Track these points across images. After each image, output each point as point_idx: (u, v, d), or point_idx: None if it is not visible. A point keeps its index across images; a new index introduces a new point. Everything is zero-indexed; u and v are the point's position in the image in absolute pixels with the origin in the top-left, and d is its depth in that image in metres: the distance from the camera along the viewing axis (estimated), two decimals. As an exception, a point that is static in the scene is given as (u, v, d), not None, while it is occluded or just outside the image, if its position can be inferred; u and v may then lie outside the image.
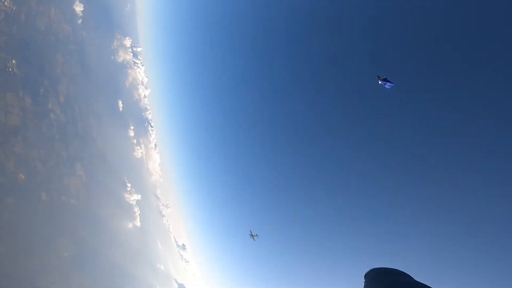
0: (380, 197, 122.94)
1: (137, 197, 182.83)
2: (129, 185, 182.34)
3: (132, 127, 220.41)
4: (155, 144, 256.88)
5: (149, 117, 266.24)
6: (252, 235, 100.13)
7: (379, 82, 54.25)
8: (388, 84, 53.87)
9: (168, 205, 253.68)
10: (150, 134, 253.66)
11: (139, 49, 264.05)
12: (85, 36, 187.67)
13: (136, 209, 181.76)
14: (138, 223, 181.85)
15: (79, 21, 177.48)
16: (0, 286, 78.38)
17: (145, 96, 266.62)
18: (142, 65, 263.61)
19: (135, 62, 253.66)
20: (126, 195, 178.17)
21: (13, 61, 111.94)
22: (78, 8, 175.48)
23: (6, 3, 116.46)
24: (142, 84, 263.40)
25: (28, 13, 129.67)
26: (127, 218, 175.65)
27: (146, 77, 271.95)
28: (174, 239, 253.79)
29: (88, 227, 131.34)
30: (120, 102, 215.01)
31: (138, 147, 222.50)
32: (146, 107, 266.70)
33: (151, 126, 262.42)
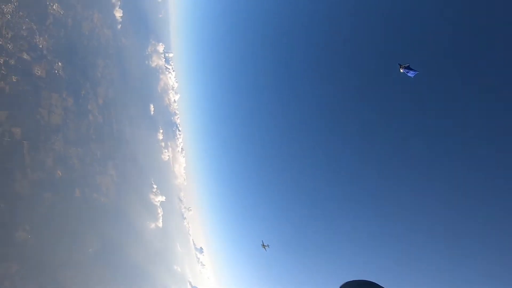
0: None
1: (161, 198, 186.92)
2: (155, 186, 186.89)
3: (161, 131, 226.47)
4: (181, 148, 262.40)
5: (178, 121, 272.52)
6: (263, 245, 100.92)
7: (401, 71, 51.56)
8: (412, 72, 51.32)
9: (190, 208, 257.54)
10: (177, 138, 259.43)
11: (170, 55, 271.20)
12: (123, 41, 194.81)
13: (160, 210, 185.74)
14: (160, 224, 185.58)
15: (119, 27, 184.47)
16: (23, 274, 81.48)
17: (174, 101, 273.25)
18: (173, 71, 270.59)
19: (166, 68, 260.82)
20: (152, 196, 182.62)
21: (59, 64, 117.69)
22: (118, 13, 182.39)
23: (54, 7, 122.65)
24: (173, 89, 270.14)
25: (74, 17, 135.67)
26: (151, 219, 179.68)
27: (176, 82, 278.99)
28: (193, 241, 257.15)
29: (114, 224, 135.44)
30: (152, 106, 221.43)
31: (166, 150, 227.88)
32: (175, 112, 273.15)
33: (179, 131, 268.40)
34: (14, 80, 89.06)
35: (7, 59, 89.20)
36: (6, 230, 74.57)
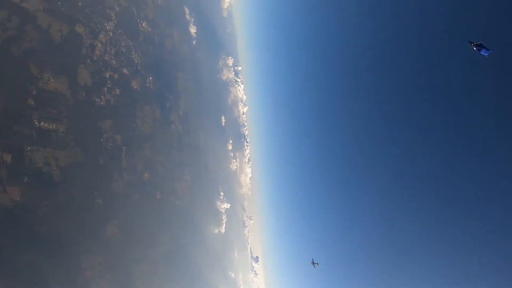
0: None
1: (227, 206, 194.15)
2: (222, 194, 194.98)
3: (231, 141, 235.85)
4: (248, 159, 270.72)
5: (246, 133, 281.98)
6: (313, 262, 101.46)
7: (474, 49, 49.41)
8: (484, 50, 48.67)
9: (251, 217, 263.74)
10: (245, 149, 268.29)
11: (239, 68, 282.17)
12: (198, 56, 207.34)
13: (224, 216, 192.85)
14: (223, 230, 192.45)
15: (194, 42, 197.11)
16: (104, 265, 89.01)
17: (243, 113, 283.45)
18: (242, 83, 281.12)
19: (236, 81, 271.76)
20: (218, 203, 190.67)
21: (150, 78, 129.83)
22: (193, 30, 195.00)
23: (144, 25, 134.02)
24: (242, 102, 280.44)
25: (159, 34, 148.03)
26: (215, 224, 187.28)
27: (245, 94, 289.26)
28: (250, 250, 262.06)
29: (183, 226, 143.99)
30: (223, 118, 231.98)
31: (234, 160, 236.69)
32: (243, 123, 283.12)
33: (247, 142, 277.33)
34: (117, 93, 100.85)
35: (112, 73, 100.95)
36: (100, 224, 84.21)
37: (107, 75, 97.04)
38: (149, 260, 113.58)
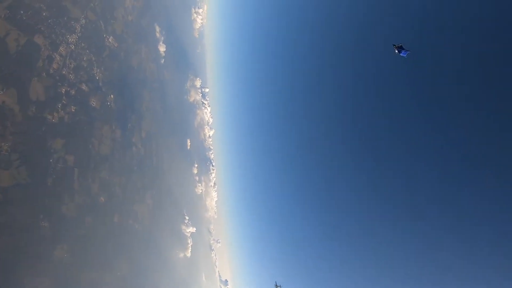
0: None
1: (192, 229, 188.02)
2: (187, 217, 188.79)
3: (196, 165, 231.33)
4: (214, 183, 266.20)
5: (211, 156, 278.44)
6: (276, 285, 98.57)
7: (396, 51, 50.44)
8: (404, 51, 49.96)
9: (218, 241, 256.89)
10: (211, 173, 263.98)
11: (206, 90, 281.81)
12: (165, 75, 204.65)
13: (190, 240, 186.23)
14: (188, 254, 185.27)
15: (162, 61, 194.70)
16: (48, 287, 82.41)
17: (209, 137, 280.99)
18: (209, 106, 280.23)
19: (203, 103, 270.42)
20: (183, 227, 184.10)
21: (112, 96, 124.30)
22: (162, 48, 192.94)
23: (110, 39, 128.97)
24: (208, 125, 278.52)
25: (126, 50, 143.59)
26: (180, 248, 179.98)
27: (211, 117, 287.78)
28: (219, 273, 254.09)
29: (144, 251, 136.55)
30: (188, 141, 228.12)
31: (199, 184, 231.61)
32: (209, 147, 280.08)
33: (212, 166, 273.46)
34: (72, 110, 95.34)
35: (69, 89, 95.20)
36: (46, 247, 77.27)
37: (63, 90, 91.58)
38: (104, 283, 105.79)
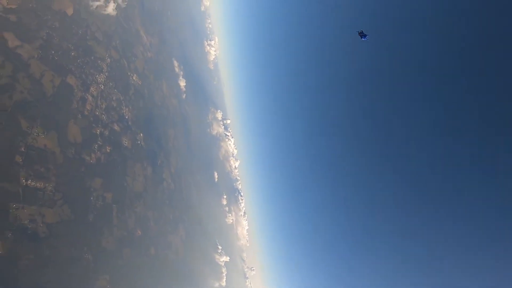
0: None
1: (225, 258, 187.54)
2: (220, 247, 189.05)
3: (225, 196, 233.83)
4: (244, 212, 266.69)
5: (239, 187, 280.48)
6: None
7: (361, 38, 53.87)
8: (364, 37, 53.56)
9: (252, 268, 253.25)
10: (240, 203, 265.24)
11: (228, 121, 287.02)
12: (187, 110, 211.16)
13: (224, 269, 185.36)
14: (223, 283, 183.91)
15: (183, 96, 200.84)
16: None
17: (235, 167, 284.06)
18: (232, 137, 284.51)
19: (226, 135, 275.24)
20: (217, 256, 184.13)
21: (141, 135, 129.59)
22: (182, 83, 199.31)
23: (134, 77, 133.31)
24: (233, 156, 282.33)
25: (148, 88, 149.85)
26: (215, 277, 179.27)
27: (236, 149, 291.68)
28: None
29: (181, 281, 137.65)
30: (215, 173, 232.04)
31: (230, 214, 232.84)
32: (236, 178, 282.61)
33: (241, 196, 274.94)
34: (107, 151, 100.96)
35: (103, 129, 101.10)
36: (89, 279, 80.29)
37: (98, 131, 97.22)
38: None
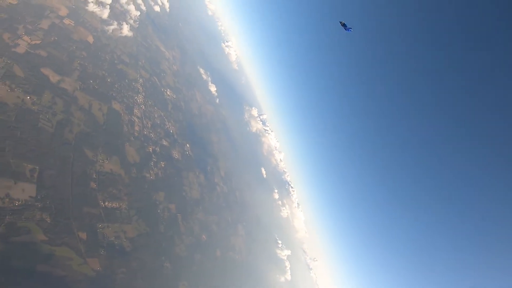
0: None
1: (287, 252, 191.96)
2: (279, 242, 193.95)
3: (276, 191, 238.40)
4: (297, 203, 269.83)
5: (288, 179, 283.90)
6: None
7: (345, 30, 57.05)
8: (348, 28, 56.83)
9: (315, 259, 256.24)
10: (291, 195, 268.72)
11: (264, 116, 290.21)
12: (224, 114, 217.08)
13: (287, 263, 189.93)
14: (289, 277, 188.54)
15: (217, 101, 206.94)
16: None
17: (280, 160, 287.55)
18: (272, 131, 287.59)
19: (265, 130, 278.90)
20: (278, 251, 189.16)
21: (188, 145, 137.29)
22: (212, 88, 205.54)
23: (168, 93, 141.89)
24: (276, 149, 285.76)
25: (183, 99, 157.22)
26: (280, 272, 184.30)
27: (277, 141, 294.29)
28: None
29: (249, 279, 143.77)
30: (263, 170, 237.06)
31: (284, 208, 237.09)
32: (283, 170, 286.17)
33: (291, 187, 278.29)
34: (162, 166, 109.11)
35: (154, 147, 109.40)
36: (170, 286, 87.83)
37: (150, 149, 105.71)
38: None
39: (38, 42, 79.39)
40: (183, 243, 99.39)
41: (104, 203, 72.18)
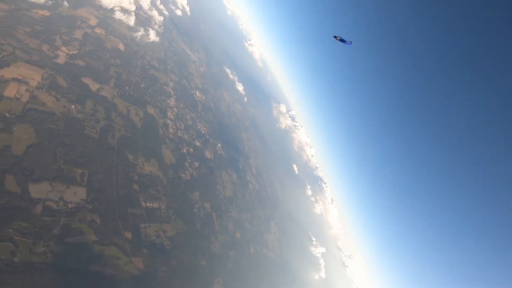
0: None
1: (321, 249, 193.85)
2: (313, 239, 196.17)
3: (308, 187, 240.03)
4: (331, 199, 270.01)
5: (320, 174, 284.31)
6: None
7: (344, 43, 55.75)
8: (347, 42, 55.35)
9: (350, 256, 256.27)
10: (325, 191, 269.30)
11: (293, 112, 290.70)
12: (252, 111, 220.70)
13: (321, 261, 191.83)
14: (323, 275, 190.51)
15: (245, 99, 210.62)
16: None
17: (312, 156, 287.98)
18: (301, 126, 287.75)
19: (295, 125, 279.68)
20: (312, 248, 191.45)
21: (219, 145, 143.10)
22: (240, 87, 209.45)
23: (197, 94, 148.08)
24: (307, 145, 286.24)
25: (212, 100, 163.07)
26: (314, 269, 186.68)
27: (308, 137, 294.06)
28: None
29: (282, 276, 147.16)
30: (294, 166, 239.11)
31: (317, 204, 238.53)
32: (315, 166, 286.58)
33: (324, 183, 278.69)
34: (196, 166, 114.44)
35: (188, 148, 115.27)
36: (207, 283, 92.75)
37: (185, 150, 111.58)
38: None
39: (75, 52, 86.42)
40: (218, 241, 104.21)
41: (145, 203, 77.83)
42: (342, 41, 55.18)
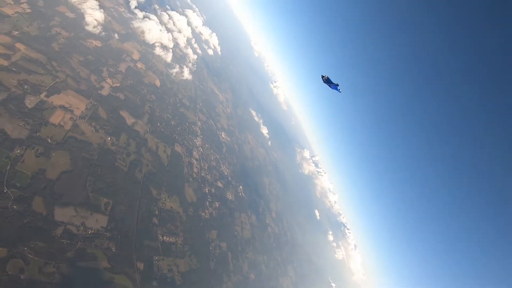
0: None
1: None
2: (333, 285, 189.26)
3: (330, 232, 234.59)
4: (354, 245, 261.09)
5: (343, 220, 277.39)
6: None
7: (330, 87, 46.12)
8: (333, 86, 45.36)
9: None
10: (348, 237, 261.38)
11: (316, 158, 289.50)
12: (275, 156, 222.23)
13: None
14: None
15: (269, 143, 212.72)
16: None
17: (335, 202, 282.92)
18: (325, 173, 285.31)
19: (318, 172, 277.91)
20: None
21: (241, 187, 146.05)
22: (264, 130, 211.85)
23: (223, 135, 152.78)
24: (330, 191, 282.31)
25: (237, 142, 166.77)
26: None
27: (331, 183, 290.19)
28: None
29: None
30: (316, 212, 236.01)
31: (338, 250, 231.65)
32: (338, 212, 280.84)
33: (347, 229, 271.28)
34: (217, 206, 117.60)
35: (210, 188, 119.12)
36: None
37: (207, 190, 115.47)
38: None
39: (118, 85, 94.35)
40: (230, 281, 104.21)
41: (162, 237, 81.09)
42: (328, 83, 46.58)
